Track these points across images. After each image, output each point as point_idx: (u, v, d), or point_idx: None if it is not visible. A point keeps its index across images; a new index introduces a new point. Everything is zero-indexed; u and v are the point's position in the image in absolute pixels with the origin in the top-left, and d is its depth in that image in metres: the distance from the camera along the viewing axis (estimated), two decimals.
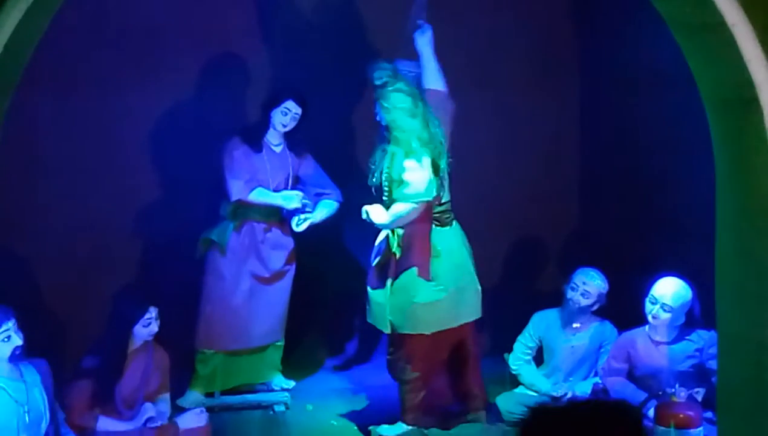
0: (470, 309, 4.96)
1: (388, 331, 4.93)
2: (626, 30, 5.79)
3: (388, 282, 4.88)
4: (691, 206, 5.32)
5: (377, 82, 4.81)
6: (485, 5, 6.08)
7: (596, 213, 6.34)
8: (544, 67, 6.26)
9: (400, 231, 4.87)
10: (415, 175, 4.75)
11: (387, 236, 4.95)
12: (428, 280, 4.82)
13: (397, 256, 4.87)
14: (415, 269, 4.82)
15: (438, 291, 4.84)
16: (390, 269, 4.88)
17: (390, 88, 4.78)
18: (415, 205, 4.77)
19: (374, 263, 4.97)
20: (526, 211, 6.25)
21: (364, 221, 4.89)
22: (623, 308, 5.10)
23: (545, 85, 6.24)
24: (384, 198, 4.88)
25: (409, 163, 4.76)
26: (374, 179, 4.89)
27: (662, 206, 5.85)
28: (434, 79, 4.92)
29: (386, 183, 4.85)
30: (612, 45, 5.98)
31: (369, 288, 4.97)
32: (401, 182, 4.79)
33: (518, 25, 6.20)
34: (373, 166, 4.90)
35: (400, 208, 4.79)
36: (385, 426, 4.97)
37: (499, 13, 6.13)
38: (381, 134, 4.92)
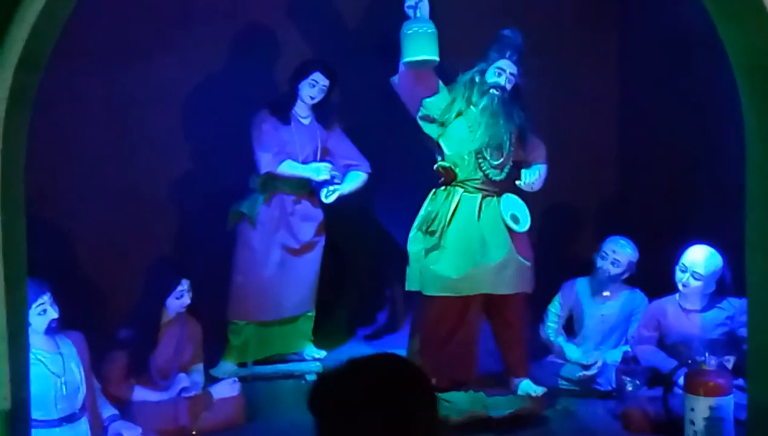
0: None
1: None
2: None
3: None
4: (724, 173, 5.27)
5: (522, 49, 4.82)
6: None
7: (632, 179, 6.28)
8: (583, 32, 6.16)
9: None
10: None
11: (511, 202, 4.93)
12: None
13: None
14: None
15: None
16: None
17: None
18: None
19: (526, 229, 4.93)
20: (562, 176, 6.20)
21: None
22: (659, 276, 5.07)
23: (584, 49, 6.15)
24: (508, 161, 4.88)
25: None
26: (498, 142, 4.83)
27: (696, 173, 5.79)
28: None
29: (512, 148, 4.87)
30: (654, 9, 5.89)
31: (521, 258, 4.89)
32: (538, 146, 4.98)
33: None
34: (493, 129, 4.82)
35: (544, 170, 4.99)
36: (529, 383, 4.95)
37: None
38: (500, 103, 4.82)
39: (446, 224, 4.80)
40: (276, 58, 5.92)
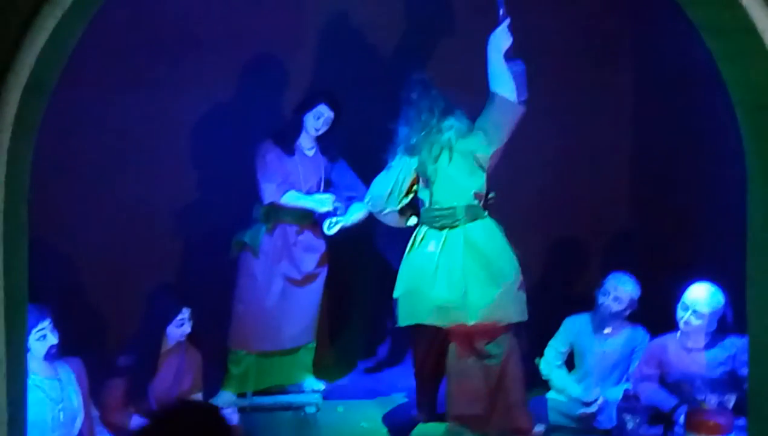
0: None
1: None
2: (679, 34, 5.71)
3: None
4: (727, 211, 5.27)
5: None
6: (533, 5, 5.98)
7: (637, 216, 6.28)
8: (595, 69, 6.17)
9: None
10: None
11: None
12: None
13: None
14: None
15: None
16: None
17: None
18: None
19: None
20: (571, 212, 6.20)
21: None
22: (661, 312, 5.05)
23: (595, 87, 6.17)
24: None
25: None
26: None
27: (699, 210, 5.79)
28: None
29: None
30: (663, 48, 5.93)
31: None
32: None
33: (570, 25, 6.12)
34: None
35: None
36: None
37: (549, 13, 6.06)
38: None
39: None
40: (282, 89, 5.96)
